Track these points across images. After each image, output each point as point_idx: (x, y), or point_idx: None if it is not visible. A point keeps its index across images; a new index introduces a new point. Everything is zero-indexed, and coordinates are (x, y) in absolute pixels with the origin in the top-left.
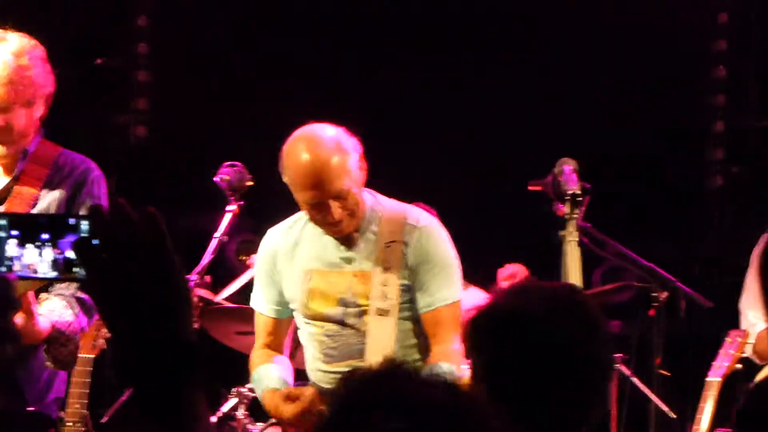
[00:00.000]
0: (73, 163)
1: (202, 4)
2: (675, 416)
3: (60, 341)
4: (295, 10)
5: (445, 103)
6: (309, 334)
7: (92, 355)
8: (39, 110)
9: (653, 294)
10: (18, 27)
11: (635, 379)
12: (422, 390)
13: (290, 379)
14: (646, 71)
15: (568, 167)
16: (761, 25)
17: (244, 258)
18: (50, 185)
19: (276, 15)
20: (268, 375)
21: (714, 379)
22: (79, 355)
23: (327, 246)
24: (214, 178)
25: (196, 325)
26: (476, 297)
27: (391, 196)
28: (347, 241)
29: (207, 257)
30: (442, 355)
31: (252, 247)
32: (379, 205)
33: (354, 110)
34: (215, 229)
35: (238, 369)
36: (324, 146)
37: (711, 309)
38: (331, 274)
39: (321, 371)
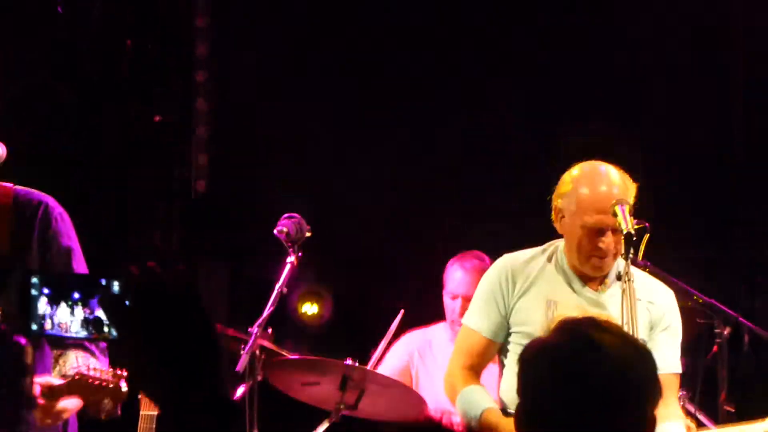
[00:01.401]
0: (31, 204)
1: (256, 61)
2: None
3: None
4: (345, 66)
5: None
6: None
7: (155, 412)
8: None
9: (716, 330)
10: (77, 84)
11: (701, 416)
12: None
13: None
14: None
15: (622, 207)
16: None
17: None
18: (15, 237)
19: (322, 72)
20: (484, 396)
21: None
22: (144, 413)
23: (573, 282)
24: (274, 230)
25: (259, 377)
26: None
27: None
28: (595, 283)
29: (268, 309)
30: (671, 417)
31: (314, 298)
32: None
33: (409, 153)
34: (277, 281)
35: (302, 419)
36: (624, 181)
37: None
38: (577, 309)
39: None
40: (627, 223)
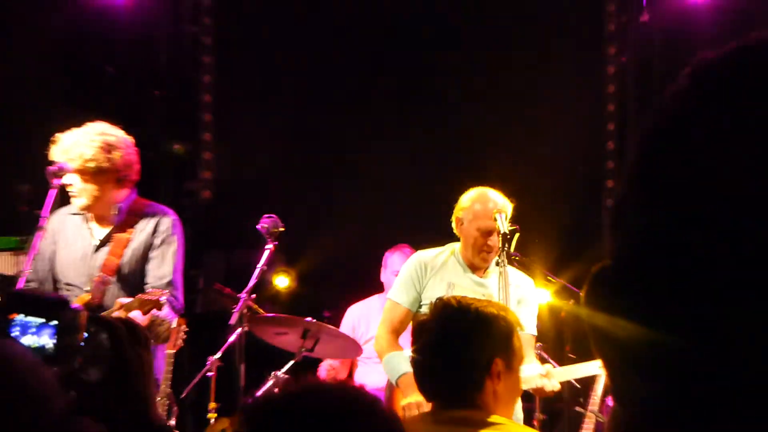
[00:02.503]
0: (156, 212)
1: (249, 106)
2: (578, 386)
3: (156, 323)
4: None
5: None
6: None
7: (174, 350)
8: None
9: (563, 301)
10: (118, 125)
11: (552, 362)
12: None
13: None
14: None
15: (500, 215)
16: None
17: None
18: (139, 231)
19: (318, 97)
20: (403, 361)
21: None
22: (166, 351)
23: (466, 270)
24: (257, 226)
25: (246, 328)
26: None
27: None
28: (480, 271)
29: (252, 281)
30: (530, 363)
31: (286, 275)
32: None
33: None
34: (259, 262)
35: (275, 358)
36: (504, 199)
37: None
38: (467, 291)
39: None
40: (503, 226)
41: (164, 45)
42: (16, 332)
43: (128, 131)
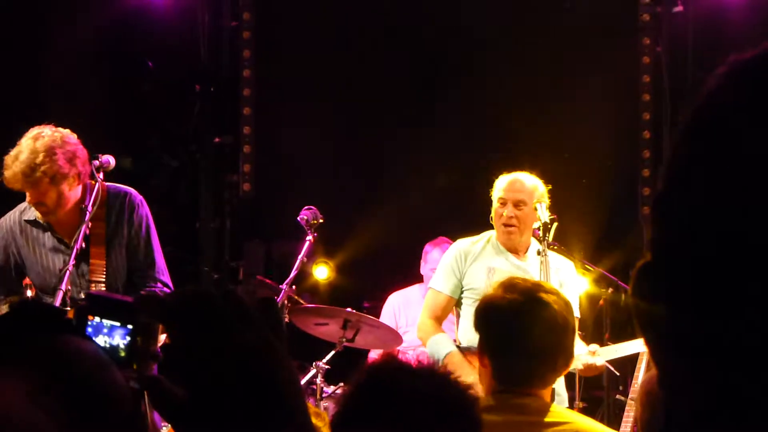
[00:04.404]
0: (118, 195)
1: (289, 100)
2: (618, 374)
3: None
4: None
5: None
6: None
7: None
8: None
9: (602, 289)
10: (168, 120)
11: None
12: (411, 380)
13: None
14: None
15: (540, 205)
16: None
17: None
18: (109, 222)
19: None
20: (448, 342)
21: (645, 349)
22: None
23: (504, 254)
24: (297, 217)
25: (286, 320)
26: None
27: None
28: (518, 255)
29: (293, 273)
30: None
31: (326, 266)
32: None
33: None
34: (299, 253)
35: (315, 349)
36: (533, 179)
37: None
38: (507, 274)
39: None
40: (543, 216)
41: (205, 40)
42: (88, 332)
43: (170, 125)
